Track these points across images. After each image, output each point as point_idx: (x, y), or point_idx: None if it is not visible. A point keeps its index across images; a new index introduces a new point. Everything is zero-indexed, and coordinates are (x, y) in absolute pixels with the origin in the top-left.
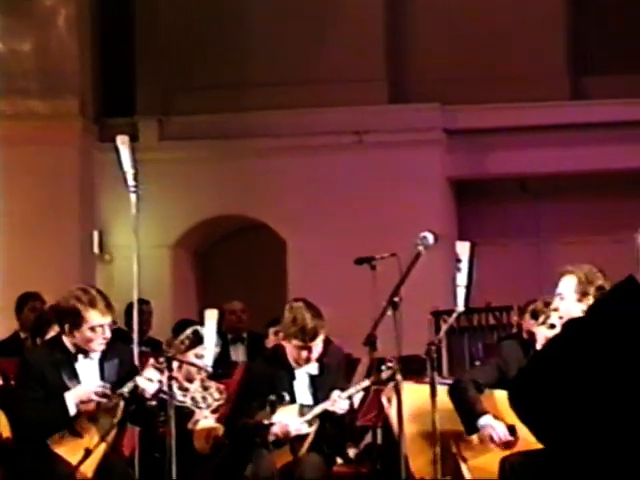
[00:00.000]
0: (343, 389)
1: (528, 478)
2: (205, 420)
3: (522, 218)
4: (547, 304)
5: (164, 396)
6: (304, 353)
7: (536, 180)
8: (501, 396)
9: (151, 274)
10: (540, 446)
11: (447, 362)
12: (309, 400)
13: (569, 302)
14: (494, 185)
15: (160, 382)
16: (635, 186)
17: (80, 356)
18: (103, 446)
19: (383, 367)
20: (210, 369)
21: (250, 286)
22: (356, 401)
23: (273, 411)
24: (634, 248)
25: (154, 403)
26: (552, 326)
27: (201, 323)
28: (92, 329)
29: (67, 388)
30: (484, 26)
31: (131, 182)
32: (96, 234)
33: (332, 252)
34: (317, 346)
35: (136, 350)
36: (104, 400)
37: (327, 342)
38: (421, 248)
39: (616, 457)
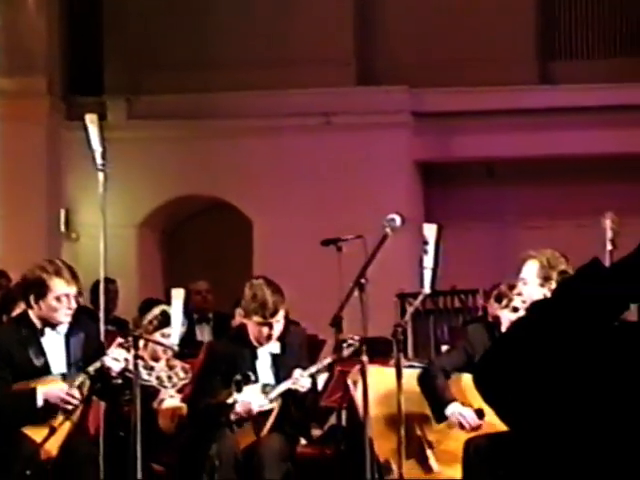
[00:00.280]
0: (305, 368)
1: (492, 460)
2: (170, 399)
3: (488, 202)
4: (511, 287)
5: (130, 375)
6: (265, 330)
7: (502, 164)
8: (468, 379)
9: (117, 253)
10: (504, 428)
11: (412, 344)
12: (271, 379)
13: (532, 287)
14: (460, 168)
15: (126, 361)
16: (600, 171)
17: (47, 329)
18: (68, 424)
19: (344, 344)
20: (177, 348)
21: (216, 266)
22: (320, 382)
23: (239, 390)
24: (600, 232)
25: (120, 381)
26: (515, 309)
27: (167, 302)
28: (57, 298)
29: (34, 366)
30: (454, 9)
31: (99, 161)
32: (63, 212)
33: (298, 233)
34: (278, 323)
35: (102, 329)
36: (68, 407)
37: (288, 321)
38: (388, 230)
39: (579, 439)
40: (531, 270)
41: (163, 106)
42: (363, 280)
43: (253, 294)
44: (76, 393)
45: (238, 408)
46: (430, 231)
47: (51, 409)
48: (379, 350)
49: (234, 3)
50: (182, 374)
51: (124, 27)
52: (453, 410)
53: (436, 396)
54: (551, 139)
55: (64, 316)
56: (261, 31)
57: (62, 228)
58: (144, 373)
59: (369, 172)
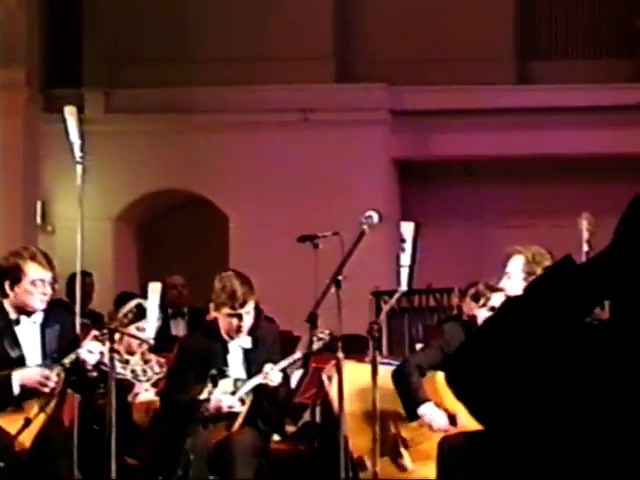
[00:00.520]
0: (276, 363)
1: (467, 459)
2: (145, 393)
3: (465, 201)
4: (488, 287)
5: (105, 368)
6: (235, 321)
7: (480, 163)
8: (442, 378)
9: (93, 246)
10: (479, 428)
11: (387, 342)
12: (243, 374)
13: (515, 281)
14: (438, 167)
15: (101, 354)
16: (578, 172)
17: (22, 318)
18: (42, 416)
19: (314, 338)
20: (152, 342)
21: (192, 261)
22: (295, 378)
23: (215, 385)
24: (576, 232)
25: (95, 374)
26: (492, 308)
27: (142, 296)
28: (32, 283)
29: (9, 357)
30: (434, 7)
31: (77, 153)
32: (39, 204)
33: (275, 229)
34: (248, 315)
35: (78, 322)
36: (45, 389)
37: (260, 315)
38: (365, 227)
39: (552, 436)
40: (516, 265)
41: (141, 100)
42: (340, 277)
43: (222, 286)
44: (53, 376)
45: (209, 405)
46: (407, 229)
47: (27, 395)
48: (354, 347)
49: None
50: (157, 368)
51: (103, 20)
52: (425, 411)
53: (410, 394)
54: (529, 139)
55: (39, 302)
56: (241, 27)
57: (38, 220)
58: (119, 367)
59: (346, 169)
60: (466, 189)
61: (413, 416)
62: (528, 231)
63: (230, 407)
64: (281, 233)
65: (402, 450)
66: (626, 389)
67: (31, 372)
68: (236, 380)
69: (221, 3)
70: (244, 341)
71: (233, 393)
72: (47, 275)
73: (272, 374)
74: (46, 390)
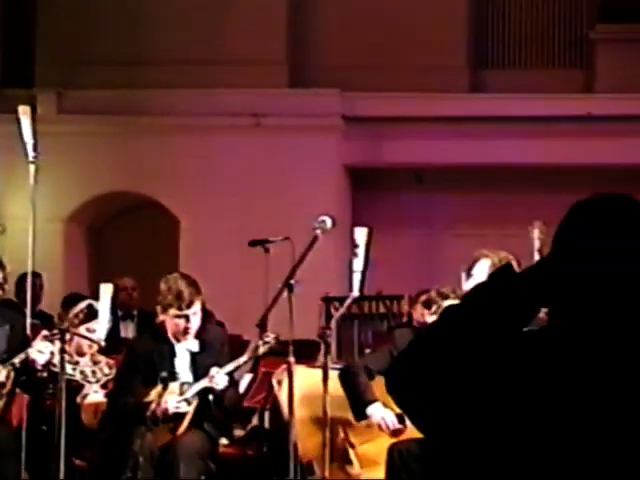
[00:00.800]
0: (222, 366)
1: (416, 465)
2: (94, 394)
3: (415, 208)
4: (440, 293)
5: (54, 368)
6: (182, 322)
7: (431, 171)
8: None
9: (43, 247)
10: None
11: (336, 348)
12: (190, 377)
13: None
14: (390, 174)
15: (52, 354)
16: (528, 181)
17: None
18: None
19: (260, 342)
20: (103, 343)
21: (142, 264)
22: (244, 382)
23: (165, 388)
24: (527, 241)
25: (44, 375)
26: None
27: (91, 298)
28: None
29: None
30: (388, 14)
31: (31, 153)
32: None
33: (226, 233)
34: (195, 316)
35: (28, 322)
36: None
37: (208, 319)
38: (318, 232)
39: (486, 443)
40: (482, 268)
41: (93, 101)
42: (292, 281)
43: (168, 287)
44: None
45: (154, 407)
46: (361, 235)
47: None
48: (304, 352)
49: (168, 0)
50: (107, 370)
51: (56, 20)
52: (374, 411)
53: (357, 393)
54: (481, 147)
55: None
56: (194, 29)
57: None
58: (68, 367)
59: (298, 174)
60: (417, 197)
61: (361, 416)
62: (478, 240)
63: (176, 408)
64: (232, 237)
65: (351, 455)
66: (563, 394)
67: None
68: (182, 383)
69: (175, 5)
70: (191, 344)
71: (180, 396)
72: None
73: (218, 377)
74: None
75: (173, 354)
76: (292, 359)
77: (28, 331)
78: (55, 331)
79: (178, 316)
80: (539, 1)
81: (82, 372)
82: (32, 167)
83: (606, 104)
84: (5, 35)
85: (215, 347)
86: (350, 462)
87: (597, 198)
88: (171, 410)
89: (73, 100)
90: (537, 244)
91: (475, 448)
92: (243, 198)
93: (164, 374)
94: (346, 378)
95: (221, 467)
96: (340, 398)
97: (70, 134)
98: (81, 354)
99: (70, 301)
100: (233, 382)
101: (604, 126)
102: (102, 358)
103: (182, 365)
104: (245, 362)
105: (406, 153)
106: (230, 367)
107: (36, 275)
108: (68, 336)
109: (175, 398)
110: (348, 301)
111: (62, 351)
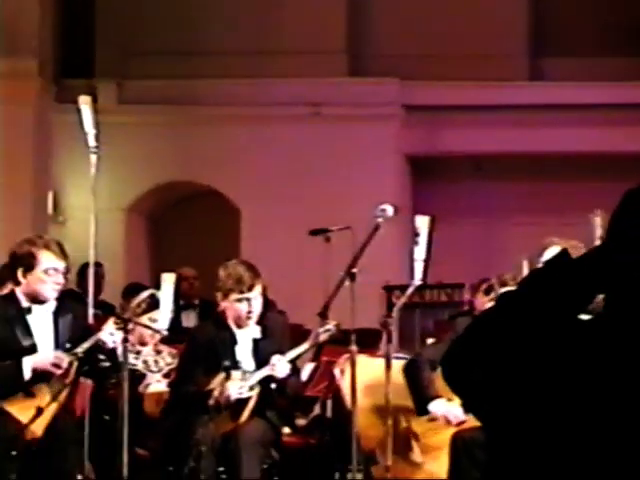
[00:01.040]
0: (284, 354)
1: (480, 453)
2: (156, 384)
3: (475, 197)
4: (501, 281)
5: (117, 358)
6: (244, 307)
7: (490, 160)
8: None
9: (104, 237)
10: None
11: (397, 337)
12: (251, 364)
13: None
14: (449, 163)
15: (114, 343)
16: (587, 169)
17: (34, 307)
18: (54, 405)
19: (320, 330)
20: (166, 333)
21: (203, 253)
22: (307, 371)
23: (227, 377)
24: (587, 230)
25: (107, 364)
26: None
27: (152, 287)
28: (45, 271)
29: (20, 345)
30: (447, 3)
31: (92, 143)
32: (50, 195)
33: (286, 223)
34: (256, 300)
35: (90, 312)
36: (58, 371)
37: (268, 306)
38: (380, 220)
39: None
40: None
41: (153, 91)
42: (354, 270)
43: (228, 273)
44: (65, 358)
45: (216, 395)
46: (422, 223)
47: (40, 380)
48: (365, 341)
49: None
50: (169, 359)
51: (116, 11)
52: (437, 407)
53: (421, 389)
54: (540, 136)
55: (51, 291)
56: (253, 20)
57: (49, 211)
58: (131, 357)
59: (358, 164)
60: (476, 185)
61: (423, 411)
62: (538, 228)
63: (239, 394)
64: (292, 226)
65: (413, 444)
66: (619, 383)
67: (43, 356)
68: (244, 372)
69: None
70: (253, 331)
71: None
72: (60, 264)
73: (279, 365)
74: (59, 372)
75: (234, 341)
76: (354, 348)
77: (90, 321)
78: (118, 321)
79: (239, 300)
80: None
81: (145, 362)
82: (93, 157)
83: None
84: (65, 26)
85: (276, 334)
86: (412, 451)
87: None
88: (233, 397)
89: (133, 90)
90: (599, 232)
91: (531, 434)
92: (303, 187)
93: (227, 363)
94: (410, 372)
95: (283, 456)
96: (402, 387)
97: (130, 124)
98: (143, 344)
99: (131, 291)
100: (295, 370)
101: None
102: (164, 347)
103: (244, 352)
104: (306, 350)
105: (465, 142)
106: (292, 355)
107: (98, 265)
108: (131, 326)
109: (237, 385)
110: (410, 289)
111: (125, 341)
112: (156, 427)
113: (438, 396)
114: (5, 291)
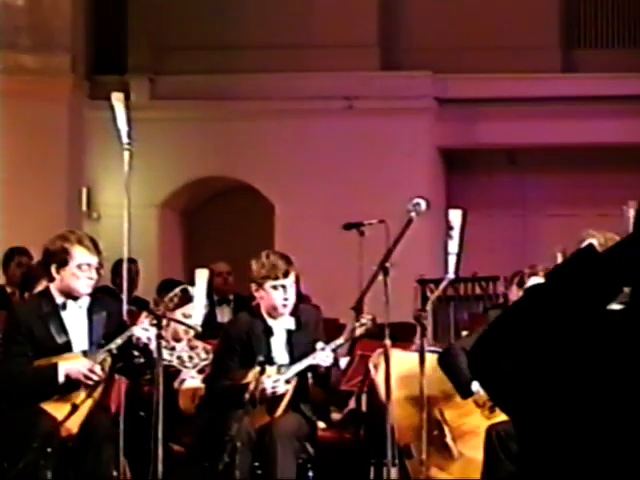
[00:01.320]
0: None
1: (514, 446)
2: (191, 380)
3: (509, 189)
4: (533, 272)
5: (151, 353)
6: (280, 294)
7: (524, 152)
8: None
9: (138, 233)
10: None
11: (432, 330)
12: (285, 357)
13: None
14: (483, 155)
15: (148, 339)
16: (621, 161)
17: (69, 303)
18: (89, 402)
19: (356, 324)
20: (199, 328)
21: (237, 249)
22: (341, 365)
23: (262, 371)
24: (621, 221)
25: (141, 360)
26: None
27: (185, 283)
28: (79, 267)
29: (55, 342)
30: None
31: (125, 139)
32: (84, 191)
33: (319, 217)
34: (291, 287)
35: (125, 308)
36: (90, 383)
37: (301, 299)
38: (413, 214)
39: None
40: None
41: (186, 87)
42: (388, 264)
43: (262, 263)
44: (98, 369)
45: (252, 388)
46: (455, 216)
47: (72, 385)
48: (400, 335)
49: None
50: (203, 354)
51: (148, 7)
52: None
53: (460, 372)
54: (573, 127)
55: (85, 287)
56: (286, 13)
57: (83, 207)
58: (165, 353)
59: (391, 157)
60: (510, 178)
61: (467, 393)
62: (572, 220)
63: (274, 388)
64: (326, 221)
65: (448, 437)
66: None
67: (77, 365)
68: (280, 366)
69: None
70: (287, 322)
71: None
72: (93, 259)
73: (324, 354)
74: (89, 383)
75: (269, 333)
76: (388, 342)
77: (125, 317)
78: (152, 317)
79: (275, 287)
80: None
81: (179, 357)
82: (126, 153)
83: None
84: (97, 22)
85: (310, 326)
86: (447, 445)
87: None
88: (269, 390)
89: (165, 86)
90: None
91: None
92: (336, 181)
93: (261, 358)
94: (446, 360)
95: (318, 450)
96: (434, 378)
97: (163, 120)
98: (178, 340)
99: (165, 286)
100: (336, 361)
101: None
102: (199, 343)
103: (278, 344)
104: (342, 344)
105: (499, 134)
106: (334, 345)
107: (132, 261)
108: (165, 322)
109: (273, 378)
110: (444, 283)
111: (159, 337)
112: (191, 423)
113: None
114: (40, 288)
